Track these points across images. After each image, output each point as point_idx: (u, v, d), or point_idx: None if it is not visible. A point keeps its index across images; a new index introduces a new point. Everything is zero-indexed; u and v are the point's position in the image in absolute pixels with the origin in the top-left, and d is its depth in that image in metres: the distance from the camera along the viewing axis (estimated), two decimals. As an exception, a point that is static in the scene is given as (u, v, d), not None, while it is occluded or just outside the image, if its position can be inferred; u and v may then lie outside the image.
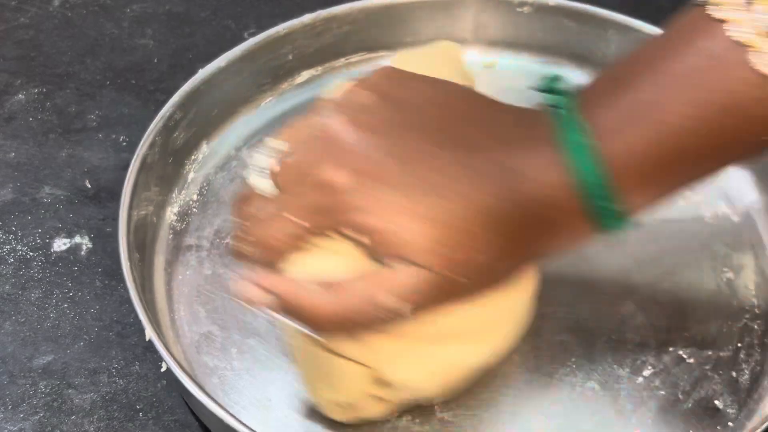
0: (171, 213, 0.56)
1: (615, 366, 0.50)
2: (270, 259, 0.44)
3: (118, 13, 0.71)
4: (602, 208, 0.43)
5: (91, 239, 0.57)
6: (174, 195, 0.57)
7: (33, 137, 0.63)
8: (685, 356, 0.50)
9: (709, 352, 0.51)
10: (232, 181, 0.58)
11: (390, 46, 0.65)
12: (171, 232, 0.56)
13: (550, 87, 0.45)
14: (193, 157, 0.59)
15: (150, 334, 0.47)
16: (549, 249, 0.45)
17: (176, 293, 0.53)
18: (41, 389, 0.51)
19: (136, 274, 0.49)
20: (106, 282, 0.55)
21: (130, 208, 0.52)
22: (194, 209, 0.57)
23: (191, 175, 0.58)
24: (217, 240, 0.55)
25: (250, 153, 0.48)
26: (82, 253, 0.57)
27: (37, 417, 0.50)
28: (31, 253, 0.57)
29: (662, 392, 0.49)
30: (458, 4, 0.65)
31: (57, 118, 0.64)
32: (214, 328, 0.51)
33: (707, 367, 0.50)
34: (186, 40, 0.69)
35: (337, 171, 0.43)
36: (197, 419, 0.50)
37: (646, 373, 0.50)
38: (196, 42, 0.69)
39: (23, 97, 0.65)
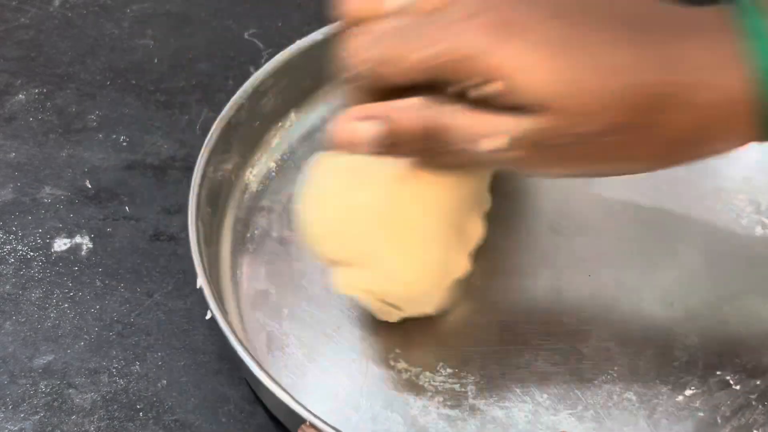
0: (250, 174, 0.58)
1: (657, 381, 0.49)
2: (395, 133, 0.42)
3: (118, 13, 0.71)
4: None
5: (91, 239, 0.57)
6: (256, 157, 0.59)
7: (33, 137, 0.63)
8: (731, 382, 0.50)
9: (757, 382, 0.50)
10: (314, 151, 0.58)
11: None
12: (247, 192, 0.57)
13: None
14: (279, 123, 0.60)
15: (201, 282, 0.48)
16: (696, 148, 0.42)
17: (242, 250, 0.55)
18: (42, 389, 0.51)
19: (203, 226, 0.51)
20: (107, 282, 0.55)
21: (206, 165, 0.53)
22: (273, 173, 0.59)
23: (275, 141, 0.60)
24: (290, 205, 0.56)
25: None
26: (83, 253, 0.57)
27: (37, 417, 0.50)
28: (31, 253, 0.57)
29: (701, 414, 0.48)
30: None
31: (57, 118, 0.64)
32: (271, 287, 0.53)
33: (752, 396, 0.49)
34: (186, 40, 0.69)
35: (484, 12, 0.41)
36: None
37: (688, 392, 0.49)
38: (196, 42, 0.69)
39: (23, 97, 0.65)
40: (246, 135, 0.58)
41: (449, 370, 0.50)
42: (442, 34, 0.41)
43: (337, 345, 0.51)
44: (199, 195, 0.52)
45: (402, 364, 0.50)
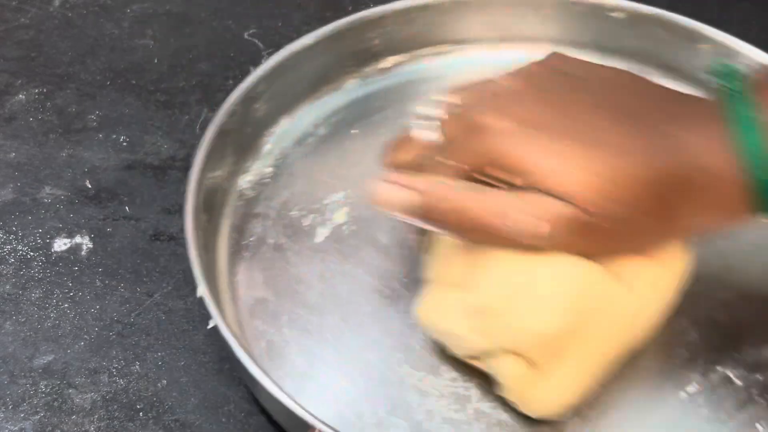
0: (243, 180, 0.58)
1: (659, 379, 0.49)
2: (427, 206, 0.46)
3: (118, 13, 0.71)
4: (766, 188, 0.43)
5: (91, 239, 0.57)
6: (249, 163, 0.59)
7: (33, 137, 0.63)
8: (733, 377, 0.49)
9: (759, 377, 0.50)
10: (306, 156, 0.60)
11: (480, 39, 0.65)
12: (241, 198, 0.57)
13: (722, 70, 0.45)
14: (272, 129, 0.60)
15: (202, 291, 0.48)
16: (701, 225, 0.46)
17: (238, 258, 0.54)
18: (42, 389, 0.51)
19: (200, 233, 0.51)
20: (107, 282, 0.55)
21: (202, 170, 0.53)
22: (267, 179, 0.58)
23: (268, 147, 0.60)
24: (284, 211, 0.57)
25: (417, 104, 0.49)
26: (83, 253, 0.57)
27: (37, 417, 0.50)
28: (31, 253, 0.57)
29: (705, 410, 0.48)
30: (551, 4, 0.65)
31: (57, 118, 0.64)
32: (269, 294, 0.53)
33: (755, 391, 0.49)
34: (186, 40, 0.69)
35: (498, 117, 0.44)
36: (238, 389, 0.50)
37: (691, 389, 0.49)
38: (196, 42, 0.69)
39: (24, 97, 0.65)
40: (239, 141, 0.58)
41: (453, 374, 0.49)
42: (471, 143, 0.46)
43: (338, 351, 0.51)
44: (196, 203, 0.52)
45: (405, 369, 0.50)
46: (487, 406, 0.48)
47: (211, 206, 0.55)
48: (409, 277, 0.54)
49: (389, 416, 0.48)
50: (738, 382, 0.50)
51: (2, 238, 0.57)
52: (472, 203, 0.44)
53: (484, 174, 0.45)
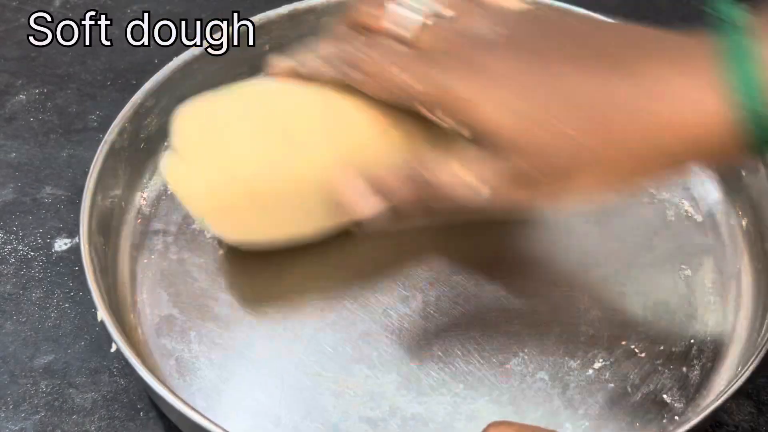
0: (140, 198, 0.57)
1: (566, 358, 0.50)
2: (397, 208, 0.45)
3: (118, 13, 0.71)
4: (763, 138, 0.39)
5: (91, 239, 0.57)
6: (144, 180, 0.57)
7: (34, 137, 0.63)
8: (637, 350, 0.51)
9: (662, 347, 0.51)
10: None
11: None
12: (139, 217, 0.56)
13: (717, 6, 0.41)
14: (165, 143, 0.58)
15: (102, 315, 0.47)
16: (684, 161, 0.43)
17: (140, 277, 0.53)
18: (42, 389, 0.51)
19: (97, 256, 0.50)
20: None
21: (94, 194, 0.52)
22: (164, 195, 0.57)
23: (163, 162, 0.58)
24: (185, 225, 0.55)
25: None
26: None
27: (38, 416, 0.50)
28: (32, 253, 0.57)
29: (611, 385, 0.50)
30: None
31: (58, 118, 0.64)
32: (175, 311, 0.52)
33: (658, 362, 0.50)
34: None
35: (489, 55, 0.43)
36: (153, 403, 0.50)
37: (597, 365, 0.50)
38: (197, 42, 0.69)
39: (24, 97, 0.65)
40: (132, 158, 0.56)
41: (366, 372, 0.49)
42: (428, 72, 0.44)
43: (250, 362, 0.50)
44: (89, 226, 0.50)
45: (317, 371, 0.49)
46: (401, 401, 0.49)
47: (108, 227, 0.54)
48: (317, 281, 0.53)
49: (305, 421, 0.48)
50: (641, 354, 0.51)
51: (3, 238, 0.58)
52: (432, 178, 0.44)
53: (431, 110, 0.44)
